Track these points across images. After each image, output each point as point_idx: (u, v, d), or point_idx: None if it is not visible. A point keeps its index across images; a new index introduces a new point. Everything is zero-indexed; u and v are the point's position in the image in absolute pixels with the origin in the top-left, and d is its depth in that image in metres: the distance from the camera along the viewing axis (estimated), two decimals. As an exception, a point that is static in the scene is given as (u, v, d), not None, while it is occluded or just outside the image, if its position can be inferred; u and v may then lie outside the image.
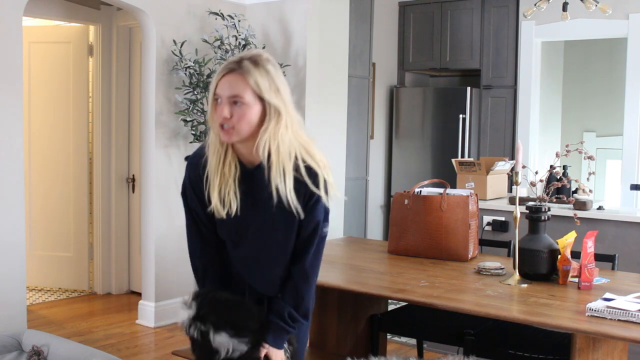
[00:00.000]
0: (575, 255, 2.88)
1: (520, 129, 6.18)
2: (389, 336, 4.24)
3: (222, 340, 1.98)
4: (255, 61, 2.01)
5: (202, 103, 4.72)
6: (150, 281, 4.93)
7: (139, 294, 5.37)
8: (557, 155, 3.02)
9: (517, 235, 2.90)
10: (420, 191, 3.42)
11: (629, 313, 2.30)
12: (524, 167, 2.96)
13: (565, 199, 3.27)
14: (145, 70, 4.86)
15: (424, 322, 3.27)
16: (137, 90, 5.66)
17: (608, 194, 7.38)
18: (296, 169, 2.03)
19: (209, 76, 4.68)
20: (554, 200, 3.49)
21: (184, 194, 2.19)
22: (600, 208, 4.38)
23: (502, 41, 6.27)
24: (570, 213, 3.78)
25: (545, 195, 2.98)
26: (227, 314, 2.02)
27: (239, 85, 1.98)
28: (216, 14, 4.81)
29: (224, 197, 2.06)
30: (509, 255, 3.57)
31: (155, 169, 4.79)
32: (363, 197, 6.03)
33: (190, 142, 4.87)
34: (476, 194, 3.40)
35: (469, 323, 3.07)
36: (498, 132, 6.34)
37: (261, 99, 1.99)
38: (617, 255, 3.29)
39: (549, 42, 6.32)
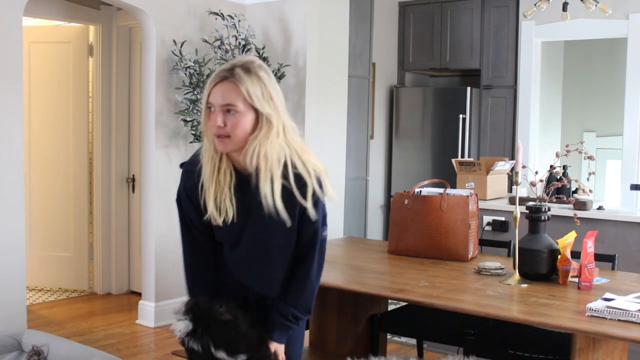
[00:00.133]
0: (575, 255, 2.88)
1: (520, 129, 6.18)
2: (389, 336, 4.24)
3: (222, 356, 2.02)
4: (248, 68, 2.00)
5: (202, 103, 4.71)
6: (150, 281, 4.93)
7: (139, 294, 5.37)
8: (557, 155, 3.02)
9: (517, 235, 2.90)
10: (420, 191, 3.42)
11: (629, 313, 2.30)
12: (524, 167, 2.96)
13: (565, 199, 3.27)
14: (145, 70, 4.86)
15: (424, 322, 3.27)
16: (137, 90, 5.65)
17: (608, 194, 7.38)
18: (285, 176, 2.03)
19: (209, 76, 4.68)
20: (554, 200, 3.49)
21: (179, 200, 2.20)
22: (600, 208, 4.38)
23: (502, 41, 6.27)
24: (570, 213, 3.78)
25: (545, 195, 2.98)
26: (222, 334, 2.04)
27: (232, 94, 1.98)
28: (216, 14, 4.81)
29: (219, 205, 2.06)
30: (509, 255, 3.57)
31: (155, 169, 4.80)
32: (363, 197, 6.03)
33: (190, 142, 4.87)
34: (476, 194, 3.40)
35: (469, 323, 3.07)
36: (498, 132, 6.34)
37: (254, 107, 1.99)
38: (617, 255, 3.29)
39: (549, 42, 6.32)
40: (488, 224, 4.63)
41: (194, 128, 4.72)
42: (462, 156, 6.35)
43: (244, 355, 2.03)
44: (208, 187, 2.07)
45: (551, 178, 3.18)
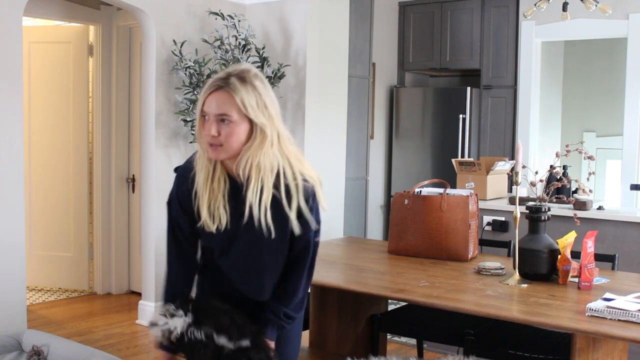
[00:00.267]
0: (575, 255, 2.88)
1: (520, 129, 6.18)
2: (389, 336, 4.24)
3: (224, 342, 2.02)
4: (243, 78, 2.00)
5: (202, 103, 4.71)
6: (150, 281, 4.93)
7: (139, 294, 5.38)
8: (557, 155, 3.02)
9: (517, 235, 2.90)
10: (420, 191, 3.42)
11: (629, 313, 2.30)
12: (524, 167, 2.96)
13: (565, 199, 3.27)
14: (145, 70, 4.86)
15: (424, 322, 3.27)
16: (137, 90, 5.65)
17: (608, 194, 7.38)
18: (277, 186, 2.03)
19: (209, 76, 4.68)
20: (554, 200, 3.49)
21: (169, 204, 2.21)
22: (600, 208, 4.38)
23: (502, 41, 6.27)
24: (570, 213, 3.78)
25: (545, 195, 2.98)
26: (222, 321, 2.05)
27: (226, 104, 1.98)
28: (216, 14, 4.81)
29: (213, 212, 2.07)
30: (509, 255, 3.57)
31: (155, 169, 4.80)
32: (363, 197, 6.03)
33: (190, 142, 4.87)
34: (476, 194, 3.40)
35: (469, 323, 3.07)
36: (498, 132, 6.34)
37: (248, 117, 1.99)
38: (617, 255, 3.29)
39: (549, 42, 6.32)
40: (488, 224, 4.64)
41: (194, 128, 4.72)
42: (462, 156, 6.35)
43: (245, 340, 2.03)
44: (202, 194, 2.07)
45: (551, 178, 3.18)
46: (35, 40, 5.70)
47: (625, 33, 5.66)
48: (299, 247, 2.13)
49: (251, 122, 2.00)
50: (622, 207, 5.59)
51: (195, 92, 4.69)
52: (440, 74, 7.15)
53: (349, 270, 3.17)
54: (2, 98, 3.99)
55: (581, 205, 4.28)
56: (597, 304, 2.38)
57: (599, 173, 7.04)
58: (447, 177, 4.30)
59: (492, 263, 3.06)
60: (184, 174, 2.14)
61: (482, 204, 4.56)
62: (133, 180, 5.77)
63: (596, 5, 4.76)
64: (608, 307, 2.35)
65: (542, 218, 2.90)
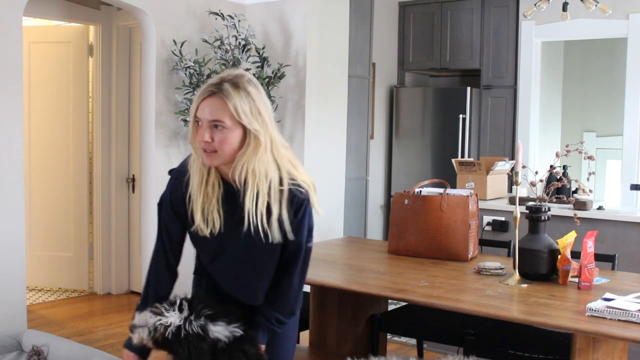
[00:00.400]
0: (575, 255, 2.88)
1: (520, 129, 6.18)
2: (389, 336, 4.24)
3: (219, 330, 2.02)
4: (236, 83, 1.99)
5: (202, 103, 4.71)
6: (150, 281, 4.92)
7: (139, 294, 5.36)
8: (557, 155, 3.02)
9: (517, 235, 2.90)
10: (420, 191, 3.42)
11: (629, 313, 2.30)
12: (524, 167, 2.96)
13: (565, 199, 3.27)
14: (145, 70, 4.86)
15: (424, 322, 3.27)
16: (137, 90, 5.65)
17: (608, 194, 7.38)
18: (270, 192, 2.03)
19: (209, 76, 4.68)
20: (554, 200, 3.49)
21: (160, 205, 2.20)
22: (600, 208, 4.38)
23: (502, 41, 6.27)
24: (570, 213, 3.78)
25: (545, 195, 2.98)
26: (219, 306, 2.07)
27: (219, 110, 1.98)
28: (216, 14, 4.80)
29: (207, 216, 2.07)
30: (509, 255, 3.57)
31: (155, 169, 4.80)
32: (363, 197, 6.03)
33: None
34: (476, 194, 3.40)
35: (469, 323, 3.07)
36: (498, 132, 6.34)
37: (241, 123, 1.99)
38: (617, 255, 3.29)
39: (549, 42, 6.32)
40: (488, 224, 4.63)
41: (194, 128, 4.72)
42: (462, 156, 6.35)
43: (238, 328, 2.05)
44: (196, 198, 2.07)
45: (551, 178, 3.18)
46: (35, 40, 5.70)
47: (625, 33, 5.66)
48: (291, 251, 2.12)
49: (244, 128, 2.00)
50: (622, 207, 5.59)
51: (195, 92, 4.69)
52: (440, 74, 7.15)
53: (349, 270, 3.17)
54: (2, 98, 3.99)
55: (581, 205, 4.28)
56: (597, 304, 2.38)
57: (599, 173, 7.04)
58: (447, 177, 4.30)
59: (492, 263, 3.06)
60: (178, 177, 2.14)
61: (482, 204, 4.56)
62: (133, 180, 5.77)
63: (596, 5, 4.76)
64: (608, 307, 2.35)
65: (542, 218, 2.90)
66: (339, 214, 5.40)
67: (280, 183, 2.04)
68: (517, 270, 2.85)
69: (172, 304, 2.07)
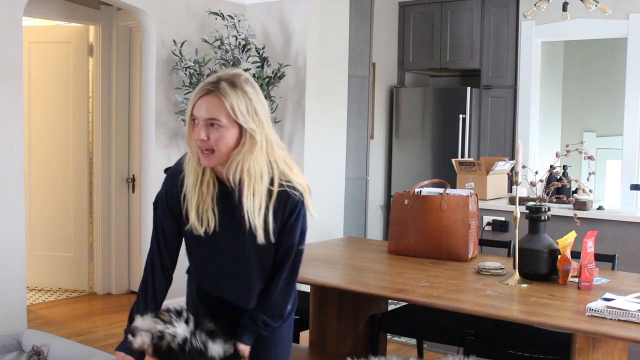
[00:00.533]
0: (575, 255, 2.88)
1: (520, 129, 6.19)
2: (389, 336, 4.24)
3: (217, 348, 2.04)
4: (233, 82, 1.99)
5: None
6: (150, 281, 4.92)
7: (139, 294, 5.37)
8: (557, 155, 3.02)
9: (517, 235, 2.89)
10: (420, 191, 3.42)
11: (629, 313, 2.30)
12: (524, 167, 2.96)
13: (565, 199, 3.27)
14: (145, 70, 4.86)
15: (424, 322, 3.27)
16: (137, 90, 5.65)
17: (608, 194, 7.38)
18: (270, 193, 2.03)
19: (208, 76, 4.68)
20: (554, 200, 3.49)
21: (156, 204, 2.20)
22: (600, 208, 4.38)
23: (502, 41, 6.27)
24: (570, 213, 3.78)
25: (545, 195, 2.98)
26: (219, 325, 2.08)
27: (216, 109, 1.97)
28: (216, 14, 4.81)
29: (201, 215, 2.07)
30: (509, 255, 3.57)
31: (155, 169, 4.80)
32: (363, 197, 6.03)
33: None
34: (476, 194, 3.40)
35: (469, 323, 3.07)
36: (498, 132, 6.34)
37: (238, 122, 1.98)
38: (617, 255, 3.29)
39: (549, 42, 6.32)
40: (488, 224, 4.63)
41: (194, 128, 4.72)
42: (462, 156, 6.35)
43: (230, 347, 2.08)
44: (190, 197, 2.07)
45: (551, 178, 3.18)
46: (35, 40, 5.70)
47: (625, 33, 5.66)
48: (281, 252, 2.11)
49: (240, 128, 1.99)
50: (622, 207, 5.59)
51: (195, 92, 4.69)
52: (440, 74, 7.15)
53: (349, 270, 3.17)
54: (2, 98, 3.99)
55: (581, 205, 4.28)
56: (597, 304, 2.38)
57: (599, 173, 7.04)
58: (447, 177, 4.30)
59: (492, 263, 3.05)
60: (174, 176, 2.13)
61: (482, 204, 4.56)
62: (133, 180, 5.77)
63: (596, 5, 4.76)
64: (608, 307, 2.35)
65: (542, 218, 2.90)
66: (339, 214, 5.40)
67: (271, 183, 2.04)
68: (517, 270, 2.85)
69: (179, 314, 2.06)
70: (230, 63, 4.71)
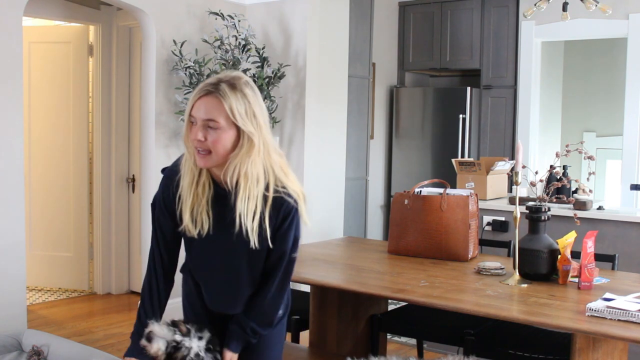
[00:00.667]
0: (575, 255, 2.88)
1: (520, 129, 6.18)
2: (389, 336, 4.24)
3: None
4: (233, 84, 1.98)
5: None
6: (150, 281, 4.92)
7: (139, 294, 5.37)
8: (557, 155, 3.02)
9: (517, 235, 2.90)
10: (420, 191, 3.42)
11: (629, 313, 2.30)
12: (524, 167, 2.96)
13: (565, 199, 3.27)
14: (145, 70, 4.86)
15: (424, 322, 3.27)
16: (137, 90, 5.66)
17: (608, 194, 7.38)
18: (265, 198, 2.02)
19: (208, 76, 4.68)
20: (554, 200, 3.49)
21: (154, 205, 2.20)
22: (600, 208, 4.38)
23: (502, 41, 6.27)
24: (570, 213, 3.78)
25: (545, 195, 2.98)
26: (216, 346, 2.10)
27: (214, 110, 1.97)
28: (216, 14, 4.81)
29: (195, 217, 2.06)
30: (509, 255, 3.57)
31: (155, 169, 4.79)
32: (363, 197, 6.03)
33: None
34: (476, 194, 3.40)
35: (469, 323, 3.07)
36: (498, 132, 6.34)
37: (236, 124, 1.98)
38: (617, 255, 3.29)
39: (549, 42, 6.32)
40: (488, 224, 4.63)
41: (194, 128, 4.72)
42: (462, 156, 6.35)
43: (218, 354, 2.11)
44: (185, 198, 2.06)
45: (551, 178, 3.18)
46: (35, 40, 5.70)
47: (625, 33, 5.66)
48: (273, 259, 2.10)
49: (238, 130, 1.99)
50: (622, 207, 5.59)
51: (195, 92, 4.69)
52: (440, 74, 7.15)
53: (349, 270, 3.17)
54: (2, 98, 3.99)
55: (581, 205, 4.28)
56: (597, 304, 2.38)
57: (599, 173, 7.04)
58: (447, 177, 4.30)
59: (492, 263, 3.06)
60: (170, 176, 2.13)
61: (482, 204, 4.56)
62: (133, 180, 5.77)
63: (596, 5, 4.76)
64: (608, 307, 2.35)
65: (542, 218, 2.90)
66: (339, 214, 5.40)
67: (267, 189, 2.03)
68: (517, 270, 2.85)
69: (199, 329, 2.07)
70: (230, 63, 4.71)
